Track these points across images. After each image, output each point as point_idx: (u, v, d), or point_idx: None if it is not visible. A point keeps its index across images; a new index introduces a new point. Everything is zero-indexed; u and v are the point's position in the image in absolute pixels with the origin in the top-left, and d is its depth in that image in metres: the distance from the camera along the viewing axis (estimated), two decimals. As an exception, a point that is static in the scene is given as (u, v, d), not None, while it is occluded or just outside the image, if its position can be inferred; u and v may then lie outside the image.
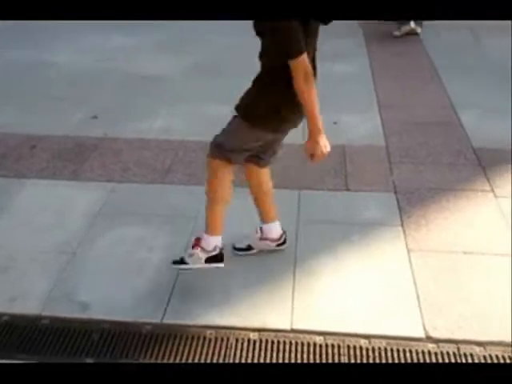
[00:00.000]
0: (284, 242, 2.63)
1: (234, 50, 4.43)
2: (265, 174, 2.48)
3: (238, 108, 2.26)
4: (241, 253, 2.63)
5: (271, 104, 2.15)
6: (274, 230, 2.59)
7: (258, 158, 2.39)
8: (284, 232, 2.63)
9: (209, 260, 2.41)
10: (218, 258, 2.42)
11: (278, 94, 2.13)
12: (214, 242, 2.40)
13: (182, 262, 2.45)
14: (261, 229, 2.59)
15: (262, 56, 2.17)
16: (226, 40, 5.31)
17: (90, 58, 5.14)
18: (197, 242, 2.42)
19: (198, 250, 2.40)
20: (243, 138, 2.26)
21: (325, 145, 2.15)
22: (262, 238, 2.60)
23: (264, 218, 2.58)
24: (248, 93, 2.24)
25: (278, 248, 2.63)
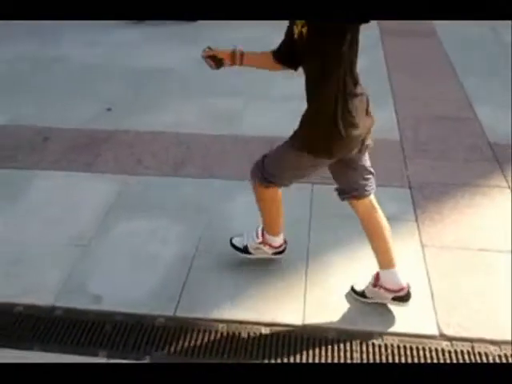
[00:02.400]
0: (283, 251, 2.52)
1: (245, 43, 4.41)
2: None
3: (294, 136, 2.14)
4: (235, 250, 2.54)
5: (320, 126, 2.04)
6: (278, 240, 2.48)
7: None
8: (285, 241, 2.51)
9: (395, 299, 2.25)
10: (404, 297, 2.23)
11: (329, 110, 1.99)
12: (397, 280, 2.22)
13: (362, 295, 2.33)
14: (262, 232, 2.47)
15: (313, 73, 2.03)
16: (236, 33, 5.27)
17: (98, 51, 5.15)
18: (376, 282, 2.26)
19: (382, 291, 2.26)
20: (295, 166, 2.18)
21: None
22: (261, 242, 2.49)
23: (268, 232, 2.46)
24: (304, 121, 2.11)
25: (274, 256, 2.51)
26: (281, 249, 2.52)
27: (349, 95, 1.99)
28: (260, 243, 2.49)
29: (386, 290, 2.24)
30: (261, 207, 2.39)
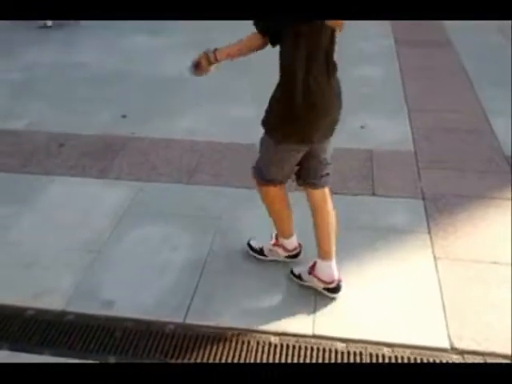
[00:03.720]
0: (297, 255, 2.58)
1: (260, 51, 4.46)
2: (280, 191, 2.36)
3: (263, 123, 2.18)
4: (251, 252, 2.62)
5: (286, 111, 2.07)
6: (291, 243, 2.54)
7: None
8: (300, 245, 2.57)
9: (326, 289, 2.40)
10: (334, 289, 2.37)
11: (292, 98, 2.03)
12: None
13: (299, 277, 2.45)
14: (276, 235, 2.56)
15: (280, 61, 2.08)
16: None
17: (115, 58, 5.20)
18: (312, 270, 2.39)
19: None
20: (276, 157, 2.19)
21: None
22: (275, 244, 2.57)
23: (280, 235, 2.54)
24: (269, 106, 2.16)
25: (288, 260, 2.56)
26: (294, 252, 2.56)
27: (314, 82, 2.00)
28: (274, 245, 2.55)
29: (319, 279, 2.37)
30: (267, 208, 2.42)
